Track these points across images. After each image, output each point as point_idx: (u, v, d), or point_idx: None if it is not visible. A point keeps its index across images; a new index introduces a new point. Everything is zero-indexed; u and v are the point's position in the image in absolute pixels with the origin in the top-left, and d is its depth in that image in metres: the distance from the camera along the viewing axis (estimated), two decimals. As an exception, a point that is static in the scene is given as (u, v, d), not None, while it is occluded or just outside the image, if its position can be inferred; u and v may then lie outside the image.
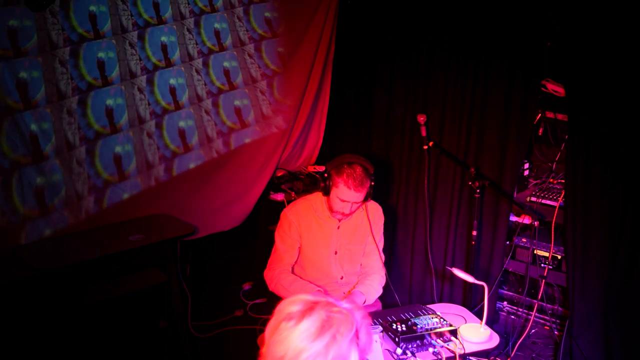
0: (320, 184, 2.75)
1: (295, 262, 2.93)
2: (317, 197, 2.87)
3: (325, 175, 2.72)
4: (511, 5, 3.16)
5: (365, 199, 2.76)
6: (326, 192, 2.74)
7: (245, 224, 4.04)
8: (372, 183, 2.72)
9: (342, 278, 2.91)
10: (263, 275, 2.90)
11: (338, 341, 1.35)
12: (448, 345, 2.34)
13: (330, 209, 2.80)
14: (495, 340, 2.50)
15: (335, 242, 2.87)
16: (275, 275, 2.82)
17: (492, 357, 3.25)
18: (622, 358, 2.96)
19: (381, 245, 2.98)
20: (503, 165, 3.31)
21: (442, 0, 3.43)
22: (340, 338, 1.35)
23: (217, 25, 4.00)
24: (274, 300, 2.53)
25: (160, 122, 3.67)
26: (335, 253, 2.88)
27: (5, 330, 2.77)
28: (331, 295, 2.79)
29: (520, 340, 3.35)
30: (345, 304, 1.44)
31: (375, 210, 2.95)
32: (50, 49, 3.15)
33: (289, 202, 3.81)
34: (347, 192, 2.66)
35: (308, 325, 1.35)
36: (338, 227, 2.87)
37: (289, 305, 1.41)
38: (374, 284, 2.85)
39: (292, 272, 2.93)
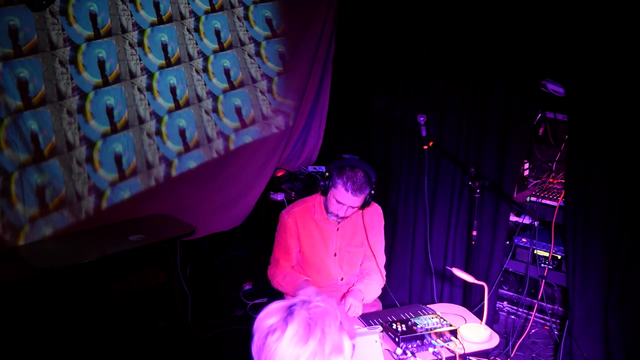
0: (320, 182, 2.74)
1: (297, 263, 2.93)
2: (315, 199, 2.87)
3: (327, 174, 2.72)
4: (511, 5, 3.16)
5: (363, 207, 2.75)
6: (324, 191, 2.74)
7: (245, 224, 4.04)
8: (372, 191, 2.71)
9: (342, 279, 2.91)
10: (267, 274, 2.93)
11: (328, 334, 1.35)
12: (448, 345, 2.34)
13: (327, 209, 2.80)
14: (495, 340, 2.50)
15: (334, 244, 2.87)
16: (272, 273, 2.88)
17: (492, 357, 3.25)
18: (622, 358, 2.96)
19: (382, 246, 2.97)
20: (503, 165, 3.31)
21: (442, 0, 3.43)
22: (329, 330, 1.36)
23: (217, 25, 4.00)
24: (275, 298, 2.53)
25: (160, 122, 3.67)
26: (335, 255, 2.88)
27: (5, 330, 2.77)
28: (330, 294, 2.81)
29: (520, 340, 3.35)
30: (316, 297, 1.43)
31: (374, 213, 2.93)
32: (50, 49, 3.15)
33: (289, 202, 3.81)
34: (344, 195, 2.65)
35: (294, 329, 1.34)
36: (337, 229, 2.86)
37: (266, 319, 1.39)
38: (373, 284, 2.85)
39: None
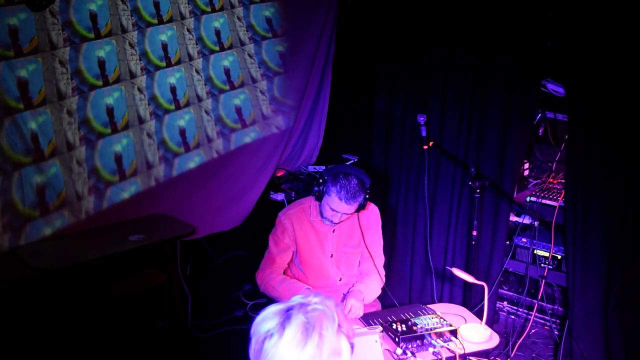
0: (314, 188, 2.75)
1: (294, 265, 2.93)
2: (311, 200, 2.87)
3: (321, 180, 2.72)
4: (511, 5, 3.16)
5: (357, 211, 2.75)
6: (318, 197, 2.74)
7: (245, 224, 4.04)
8: (367, 195, 2.72)
9: (340, 280, 2.92)
10: (255, 278, 2.90)
11: (326, 337, 1.34)
12: (448, 345, 2.34)
13: (321, 214, 2.80)
14: (495, 340, 2.50)
15: (331, 246, 2.87)
16: (266, 276, 2.83)
17: (492, 357, 3.25)
18: (622, 358, 2.97)
19: (381, 246, 2.97)
20: (503, 165, 3.31)
21: (442, 0, 3.43)
22: (326, 333, 1.35)
23: (217, 25, 4.00)
24: (273, 300, 2.53)
25: (160, 122, 3.67)
26: (331, 256, 2.88)
27: (5, 330, 2.77)
28: (329, 295, 2.80)
29: (520, 340, 3.36)
30: (314, 299, 1.42)
31: (371, 214, 2.93)
32: (50, 49, 3.15)
33: (289, 202, 3.81)
34: (338, 203, 2.66)
35: (292, 334, 1.33)
36: (333, 231, 2.87)
37: (263, 323, 1.38)
38: (373, 284, 2.85)
39: (293, 275, 2.93)
